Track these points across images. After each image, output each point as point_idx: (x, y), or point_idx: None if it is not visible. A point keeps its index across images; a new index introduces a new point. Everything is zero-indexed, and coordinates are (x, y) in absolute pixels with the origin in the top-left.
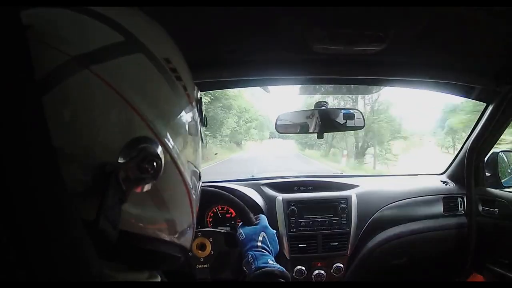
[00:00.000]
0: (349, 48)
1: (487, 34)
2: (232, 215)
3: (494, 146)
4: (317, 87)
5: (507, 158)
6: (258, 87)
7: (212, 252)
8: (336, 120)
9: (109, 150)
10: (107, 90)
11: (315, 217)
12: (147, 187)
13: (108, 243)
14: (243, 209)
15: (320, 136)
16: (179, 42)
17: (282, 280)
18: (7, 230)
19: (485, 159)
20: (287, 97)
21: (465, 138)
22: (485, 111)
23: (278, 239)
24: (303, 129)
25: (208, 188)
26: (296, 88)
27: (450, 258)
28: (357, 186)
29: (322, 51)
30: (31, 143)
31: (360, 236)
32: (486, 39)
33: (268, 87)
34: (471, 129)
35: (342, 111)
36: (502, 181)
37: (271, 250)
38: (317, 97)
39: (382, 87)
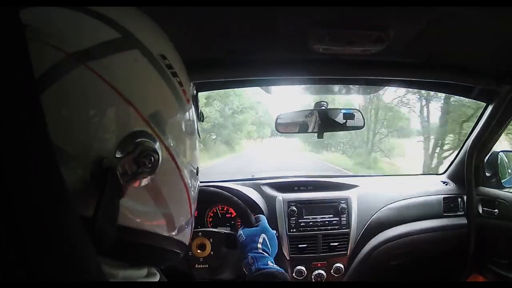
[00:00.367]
0: (349, 48)
1: (487, 34)
2: (232, 215)
3: (494, 146)
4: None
5: (507, 158)
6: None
7: (212, 253)
8: (336, 120)
9: (106, 145)
10: (103, 86)
11: (315, 217)
12: (144, 182)
13: (106, 239)
14: (244, 210)
15: (320, 136)
16: (179, 42)
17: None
18: (7, 230)
19: (485, 159)
20: (293, 94)
21: (465, 138)
22: (485, 111)
23: (278, 239)
24: (303, 128)
25: (209, 188)
26: (312, 88)
27: (450, 258)
28: (357, 186)
29: (322, 51)
30: (31, 142)
31: (360, 236)
32: (486, 39)
33: (270, 87)
34: (471, 129)
35: (342, 111)
36: (502, 181)
37: (270, 252)
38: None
39: (382, 87)
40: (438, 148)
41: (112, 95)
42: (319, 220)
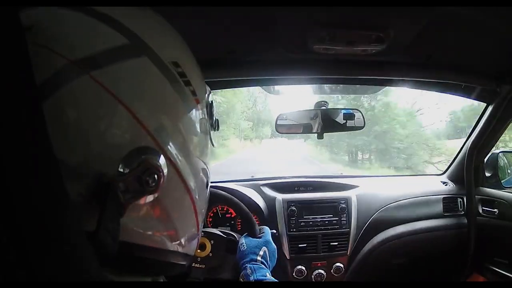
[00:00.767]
0: (349, 48)
1: (487, 34)
2: (232, 215)
3: (494, 146)
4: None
5: (507, 158)
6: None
7: (211, 254)
8: (336, 120)
9: (108, 160)
10: (107, 97)
11: (315, 217)
12: (148, 199)
13: (108, 254)
14: (250, 219)
15: (320, 137)
16: None
17: None
18: (7, 230)
19: (485, 159)
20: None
21: (465, 138)
22: (485, 111)
23: (278, 239)
24: (307, 129)
25: (212, 189)
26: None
27: (450, 258)
28: (357, 186)
29: (322, 51)
30: (31, 142)
31: (360, 236)
32: (486, 39)
33: (271, 87)
34: (471, 129)
35: (342, 111)
36: (502, 181)
37: (268, 265)
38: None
39: (382, 87)
40: None
41: (116, 107)
42: (319, 220)
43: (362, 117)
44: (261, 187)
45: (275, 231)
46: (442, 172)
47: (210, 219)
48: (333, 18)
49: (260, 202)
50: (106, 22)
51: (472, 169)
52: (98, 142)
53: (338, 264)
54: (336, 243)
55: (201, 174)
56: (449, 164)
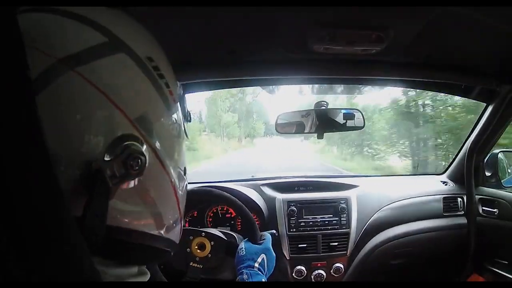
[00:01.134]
0: (349, 48)
1: (487, 34)
2: (232, 215)
3: (494, 145)
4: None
5: (507, 158)
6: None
7: (210, 255)
8: (336, 120)
9: (95, 149)
10: (91, 90)
11: (315, 217)
12: (132, 183)
13: (96, 238)
14: (253, 224)
15: (320, 136)
16: (180, 42)
17: None
18: (7, 230)
19: (485, 159)
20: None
21: (465, 138)
22: (485, 111)
23: (278, 239)
24: (300, 129)
25: (212, 189)
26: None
27: (450, 258)
28: (357, 186)
29: (322, 51)
30: (30, 143)
31: (360, 236)
32: (486, 39)
33: (271, 87)
34: (471, 129)
35: (342, 111)
36: (502, 181)
37: (265, 273)
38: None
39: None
40: None
41: (101, 99)
42: (319, 220)
43: (362, 117)
44: (261, 187)
45: (275, 231)
46: (442, 171)
47: (210, 219)
48: (333, 18)
49: (260, 202)
50: (86, 23)
51: (472, 168)
52: (85, 133)
53: (338, 264)
54: (336, 243)
55: (179, 162)
56: (449, 163)
